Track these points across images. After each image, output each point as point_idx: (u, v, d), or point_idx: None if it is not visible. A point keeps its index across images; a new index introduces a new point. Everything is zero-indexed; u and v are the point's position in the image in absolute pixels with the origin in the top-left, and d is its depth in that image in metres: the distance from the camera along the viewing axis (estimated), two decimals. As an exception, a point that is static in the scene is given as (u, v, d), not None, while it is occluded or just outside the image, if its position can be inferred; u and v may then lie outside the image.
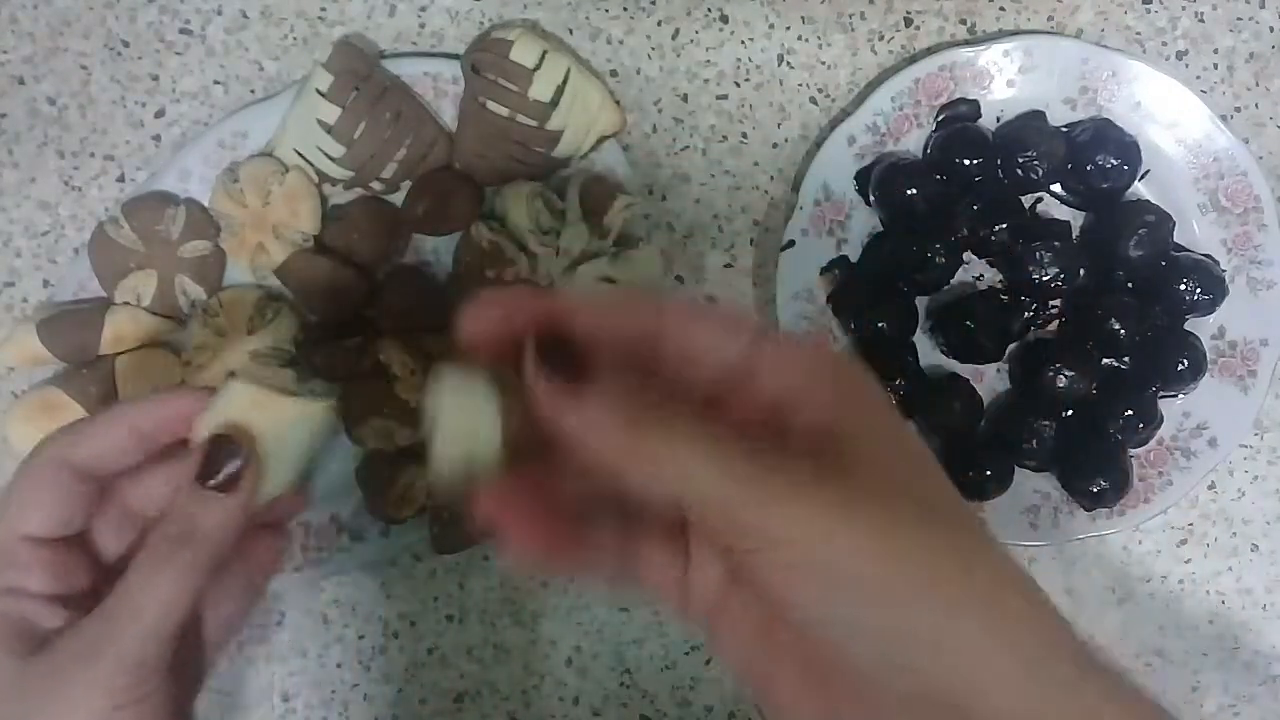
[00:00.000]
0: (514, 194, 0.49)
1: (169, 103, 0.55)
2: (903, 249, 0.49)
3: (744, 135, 0.54)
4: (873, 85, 0.53)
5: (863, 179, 0.51)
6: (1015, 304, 0.50)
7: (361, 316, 0.51)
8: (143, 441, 0.34)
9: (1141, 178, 0.51)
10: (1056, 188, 0.52)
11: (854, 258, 0.52)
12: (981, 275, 0.52)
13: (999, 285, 0.52)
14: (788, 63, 0.54)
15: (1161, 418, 0.50)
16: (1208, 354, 0.49)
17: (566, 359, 0.25)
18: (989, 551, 0.25)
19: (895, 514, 0.24)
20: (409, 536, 0.50)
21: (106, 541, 0.35)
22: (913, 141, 0.51)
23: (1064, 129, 0.51)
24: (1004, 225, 0.49)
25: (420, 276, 0.51)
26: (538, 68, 0.49)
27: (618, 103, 0.52)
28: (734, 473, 0.24)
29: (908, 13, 0.53)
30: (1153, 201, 0.51)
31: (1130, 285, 0.50)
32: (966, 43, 0.52)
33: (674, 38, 0.54)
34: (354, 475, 0.50)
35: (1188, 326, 0.50)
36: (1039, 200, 0.52)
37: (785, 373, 0.26)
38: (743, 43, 0.54)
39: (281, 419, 0.34)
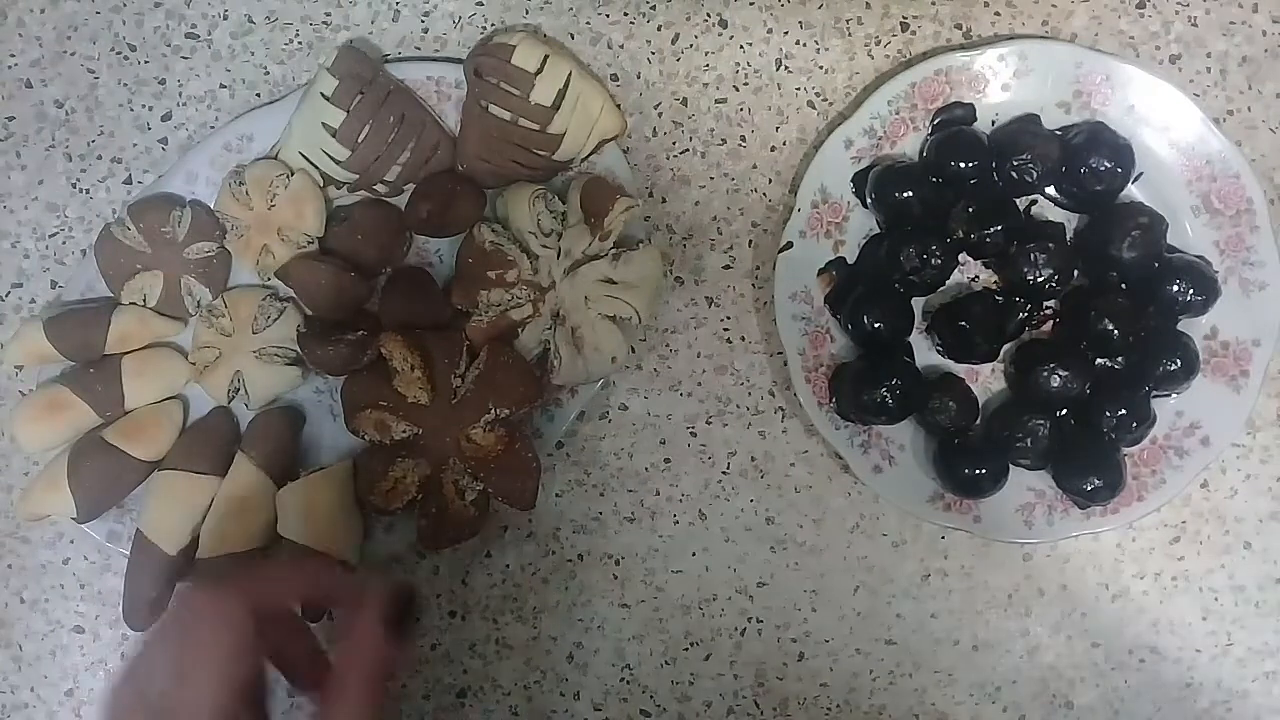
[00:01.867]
0: (516, 196, 0.50)
1: (175, 106, 0.56)
2: (899, 250, 0.50)
3: (743, 139, 0.54)
4: (869, 89, 0.54)
5: (860, 181, 0.52)
6: (1010, 305, 0.51)
7: (363, 312, 0.52)
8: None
9: (1135, 180, 0.51)
10: (1051, 190, 0.52)
11: (851, 259, 0.52)
12: (977, 276, 0.53)
13: (994, 286, 0.52)
14: (786, 67, 0.54)
15: (1154, 417, 0.50)
16: (1200, 354, 0.50)
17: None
18: None
19: None
20: (413, 534, 0.51)
21: None
22: (909, 145, 0.52)
23: (1058, 132, 0.51)
24: (999, 227, 0.49)
25: (423, 278, 0.52)
26: (539, 72, 0.50)
27: (618, 107, 0.53)
28: None
29: (904, 18, 0.54)
30: (1146, 204, 0.51)
31: (1124, 286, 0.51)
32: (962, 47, 0.53)
33: (674, 42, 0.55)
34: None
35: (1180, 327, 0.51)
36: (1034, 202, 0.52)
37: None
38: (741, 48, 0.54)
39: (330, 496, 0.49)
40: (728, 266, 0.54)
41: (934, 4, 0.54)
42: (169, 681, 0.37)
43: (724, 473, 0.54)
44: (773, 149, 0.54)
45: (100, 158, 0.56)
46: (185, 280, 0.52)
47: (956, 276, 0.52)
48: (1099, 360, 0.51)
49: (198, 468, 0.51)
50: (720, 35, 0.54)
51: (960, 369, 0.52)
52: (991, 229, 0.50)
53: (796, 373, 0.51)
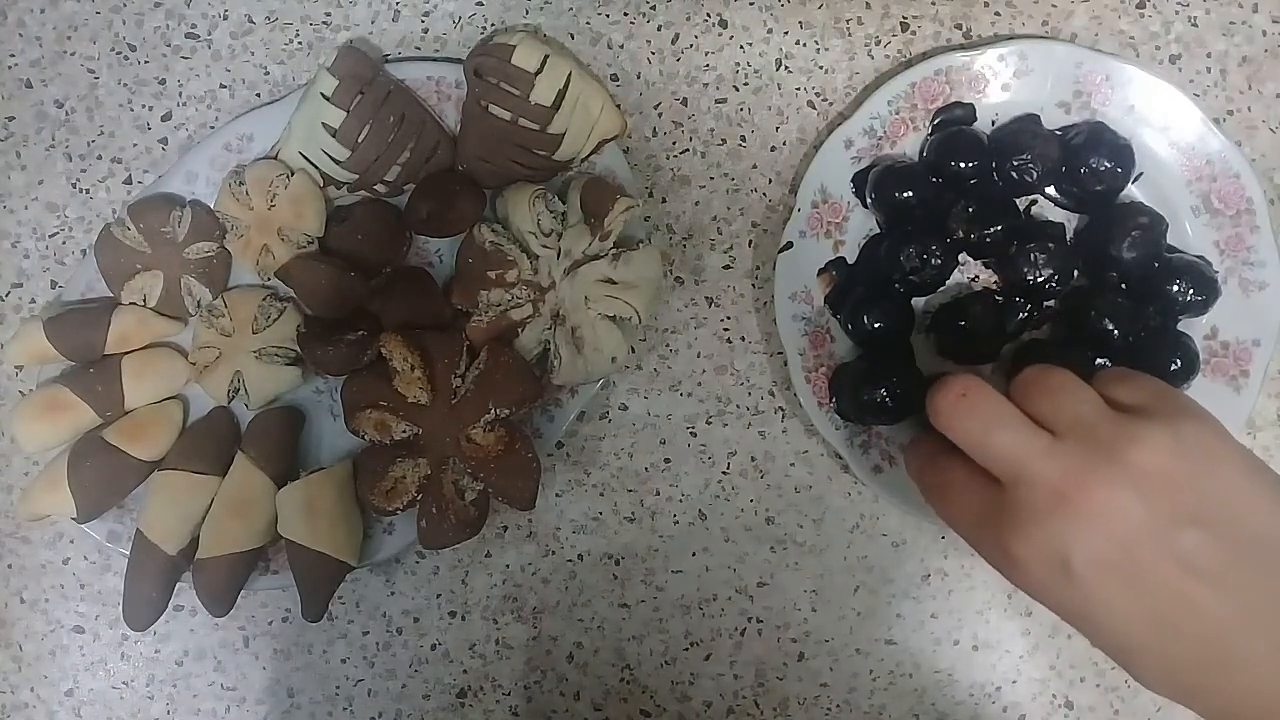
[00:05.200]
0: (516, 196, 0.50)
1: (175, 106, 0.56)
2: (899, 250, 0.50)
3: (743, 138, 0.54)
4: (869, 89, 0.54)
5: (860, 181, 0.52)
6: (1010, 305, 0.51)
7: (363, 310, 0.52)
8: None
9: (1135, 180, 0.51)
10: (1051, 190, 0.52)
11: (851, 259, 0.52)
12: (977, 276, 0.53)
13: (994, 286, 0.52)
14: (786, 67, 0.54)
15: (1155, 417, 0.50)
16: (1200, 354, 0.50)
17: None
18: None
19: None
20: (413, 534, 0.51)
21: None
22: (909, 145, 0.52)
23: (1058, 132, 0.51)
24: (999, 227, 0.49)
25: (423, 278, 0.52)
26: (539, 72, 0.50)
27: (618, 107, 0.53)
28: None
29: (904, 18, 0.54)
30: (1146, 204, 0.51)
31: (1124, 286, 0.51)
32: (962, 47, 0.53)
33: (674, 42, 0.55)
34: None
35: (1180, 327, 0.50)
36: (1034, 202, 0.52)
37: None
38: (741, 47, 0.54)
39: (330, 495, 0.50)
40: (728, 266, 0.54)
41: (934, 4, 0.54)
42: None
43: (724, 473, 0.54)
44: (773, 149, 0.54)
45: (100, 158, 0.56)
46: (185, 280, 0.52)
47: (956, 276, 0.52)
48: (1099, 360, 0.50)
49: (198, 468, 0.51)
50: (720, 35, 0.55)
51: (961, 369, 0.52)
52: (991, 229, 0.49)
53: (796, 373, 0.51)
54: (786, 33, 0.54)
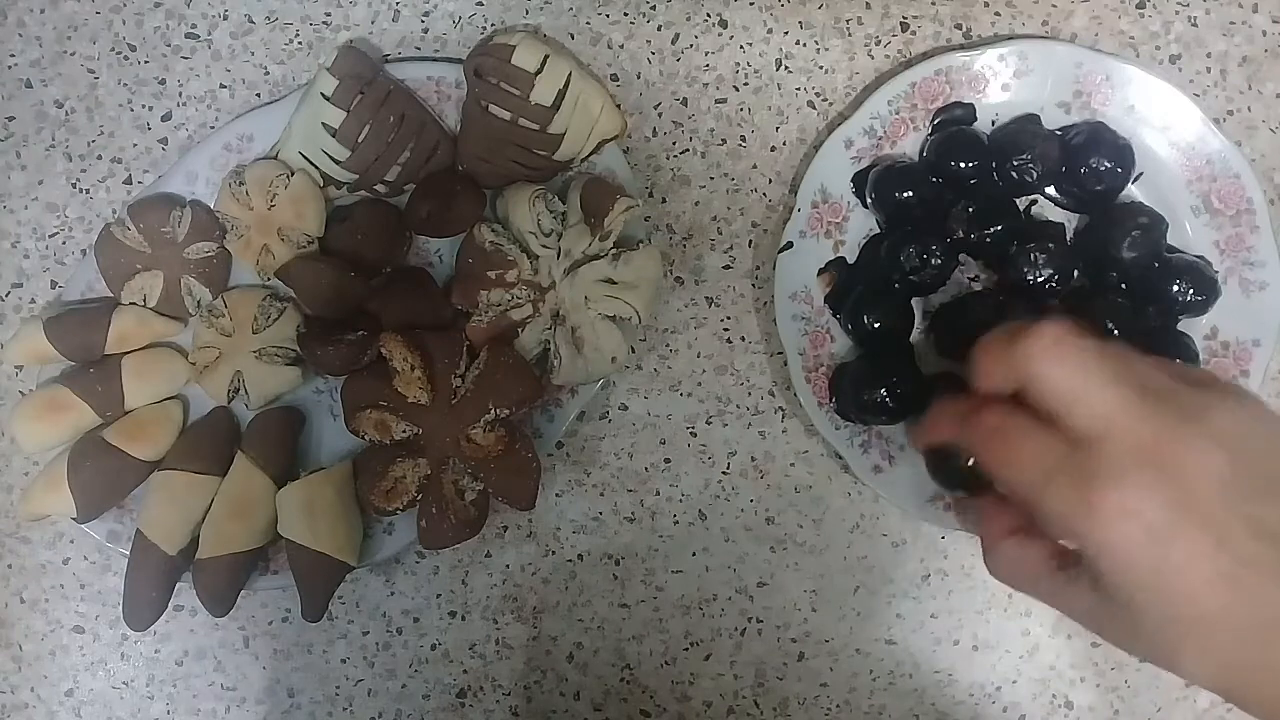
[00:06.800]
0: (516, 196, 0.50)
1: (175, 106, 0.56)
2: (899, 250, 0.50)
3: (743, 139, 0.54)
4: (869, 89, 0.54)
5: (860, 181, 0.52)
6: (1011, 305, 0.51)
7: (363, 310, 0.52)
8: None
9: (1135, 180, 0.51)
10: (1051, 190, 0.52)
11: (851, 259, 0.52)
12: (977, 276, 0.53)
13: (994, 286, 0.52)
14: (786, 67, 0.54)
15: (1155, 417, 0.50)
16: (1200, 354, 0.50)
17: None
18: None
19: None
20: (413, 534, 0.51)
21: None
22: (909, 144, 0.52)
23: (1058, 132, 0.51)
24: (999, 227, 0.49)
25: (423, 278, 0.52)
26: (539, 72, 0.50)
27: (618, 107, 0.53)
28: None
29: (904, 18, 0.54)
30: (1146, 204, 0.51)
31: (1124, 286, 0.51)
32: (962, 47, 0.53)
33: (674, 42, 0.55)
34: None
35: (1181, 327, 0.50)
36: (1034, 202, 0.53)
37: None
38: (741, 48, 0.54)
39: (330, 495, 0.49)
40: (728, 266, 0.54)
41: (934, 4, 0.54)
42: None
43: (724, 473, 0.54)
44: (773, 149, 0.54)
45: (100, 158, 0.56)
46: (185, 280, 0.52)
47: (956, 276, 0.52)
48: (1099, 360, 0.51)
49: (198, 468, 0.51)
50: (720, 35, 0.55)
51: (960, 369, 0.52)
52: (991, 229, 0.50)
53: (796, 373, 0.51)
54: (786, 33, 0.54)
